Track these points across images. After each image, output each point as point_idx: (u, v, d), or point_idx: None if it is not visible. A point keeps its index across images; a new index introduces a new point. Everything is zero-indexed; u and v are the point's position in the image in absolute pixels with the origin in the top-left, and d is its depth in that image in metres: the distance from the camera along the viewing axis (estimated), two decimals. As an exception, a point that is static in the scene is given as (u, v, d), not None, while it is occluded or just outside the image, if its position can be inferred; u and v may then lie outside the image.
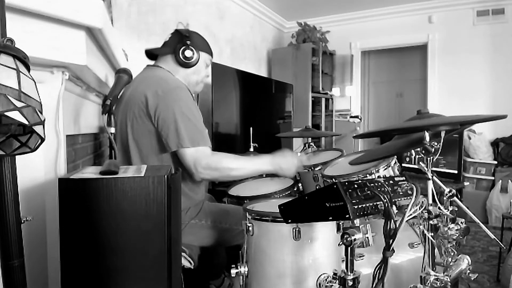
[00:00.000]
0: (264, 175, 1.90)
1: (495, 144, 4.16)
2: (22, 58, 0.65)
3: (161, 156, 1.45)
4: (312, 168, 1.70)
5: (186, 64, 1.57)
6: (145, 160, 1.46)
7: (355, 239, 0.85)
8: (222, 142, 3.11)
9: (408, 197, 0.94)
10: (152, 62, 1.65)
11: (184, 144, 1.37)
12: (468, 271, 1.02)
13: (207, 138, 1.44)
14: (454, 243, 1.02)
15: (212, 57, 1.68)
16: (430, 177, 0.99)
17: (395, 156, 1.41)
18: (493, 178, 4.01)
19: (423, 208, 0.95)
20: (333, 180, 1.40)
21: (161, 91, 1.41)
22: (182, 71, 1.59)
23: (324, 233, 1.14)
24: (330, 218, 0.85)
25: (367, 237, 0.86)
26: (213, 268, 1.85)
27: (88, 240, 0.86)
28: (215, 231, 1.54)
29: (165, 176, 0.88)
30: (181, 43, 1.55)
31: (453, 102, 4.46)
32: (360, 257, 1.26)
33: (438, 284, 0.95)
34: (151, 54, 1.65)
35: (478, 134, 4.15)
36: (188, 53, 1.56)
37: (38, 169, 1.05)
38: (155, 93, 1.40)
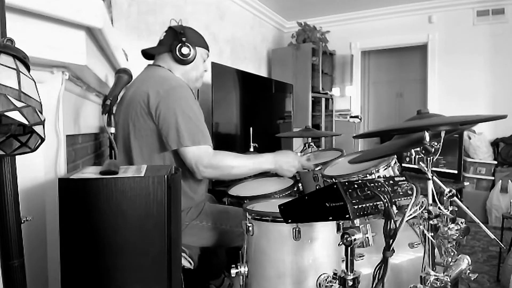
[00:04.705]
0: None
1: (495, 144, 4.16)
2: (22, 58, 0.65)
3: (163, 155, 1.45)
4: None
5: (183, 61, 1.57)
6: (147, 160, 1.46)
7: (355, 239, 0.85)
8: (222, 142, 3.10)
9: (408, 197, 0.94)
10: (151, 62, 1.65)
11: (184, 143, 1.37)
12: (468, 271, 1.02)
13: (208, 137, 1.44)
14: (454, 243, 1.02)
15: (208, 51, 1.68)
16: (430, 177, 0.99)
17: (395, 156, 1.41)
18: (493, 178, 4.01)
19: (423, 208, 0.95)
20: (333, 180, 1.40)
21: (162, 90, 1.41)
22: (180, 68, 1.59)
23: (324, 233, 1.14)
24: (330, 218, 0.85)
25: (367, 237, 0.86)
26: (213, 268, 1.85)
27: (88, 240, 0.86)
28: (215, 232, 1.54)
29: (165, 176, 0.88)
30: (177, 41, 1.55)
31: (453, 102, 4.46)
32: (360, 257, 1.26)
33: (438, 284, 0.95)
34: (148, 54, 1.65)
35: (478, 134, 4.14)
36: (184, 50, 1.55)
37: (38, 169, 1.05)
38: (156, 92, 1.40)
